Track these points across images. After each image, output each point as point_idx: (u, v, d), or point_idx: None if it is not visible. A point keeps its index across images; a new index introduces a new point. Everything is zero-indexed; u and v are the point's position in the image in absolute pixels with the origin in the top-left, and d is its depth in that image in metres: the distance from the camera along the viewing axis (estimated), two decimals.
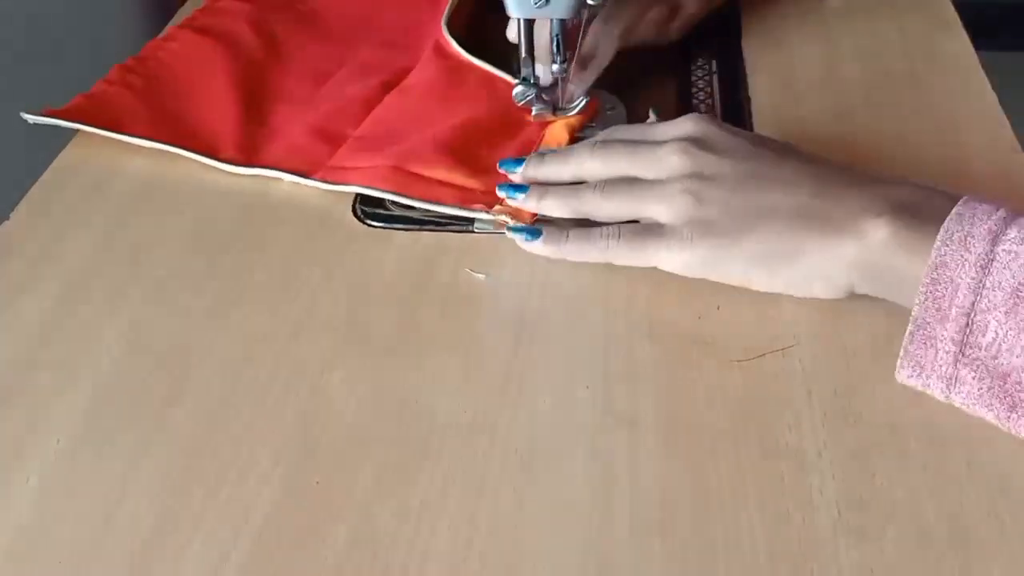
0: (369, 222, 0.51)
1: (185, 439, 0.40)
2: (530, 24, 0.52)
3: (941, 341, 0.38)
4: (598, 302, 0.45)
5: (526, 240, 0.47)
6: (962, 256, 0.37)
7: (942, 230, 0.38)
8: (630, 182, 0.46)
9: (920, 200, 0.41)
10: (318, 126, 0.56)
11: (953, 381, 0.38)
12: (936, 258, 0.38)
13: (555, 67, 0.54)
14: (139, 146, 0.55)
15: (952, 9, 0.65)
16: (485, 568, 0.35)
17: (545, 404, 0.41)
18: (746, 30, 0.65)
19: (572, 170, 0.48)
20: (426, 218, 0.51)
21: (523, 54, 0.53)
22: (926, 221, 0.39)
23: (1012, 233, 0.37)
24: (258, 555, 0.36)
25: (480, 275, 0.47)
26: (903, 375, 0.39)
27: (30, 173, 0.56)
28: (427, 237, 0.50)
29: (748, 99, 0.58)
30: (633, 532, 0.36)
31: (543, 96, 0.55)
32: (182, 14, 0.71)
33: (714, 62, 0.62)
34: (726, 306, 0.44)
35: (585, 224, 0.47)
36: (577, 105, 0.55)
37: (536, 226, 0.47)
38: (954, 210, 0.39)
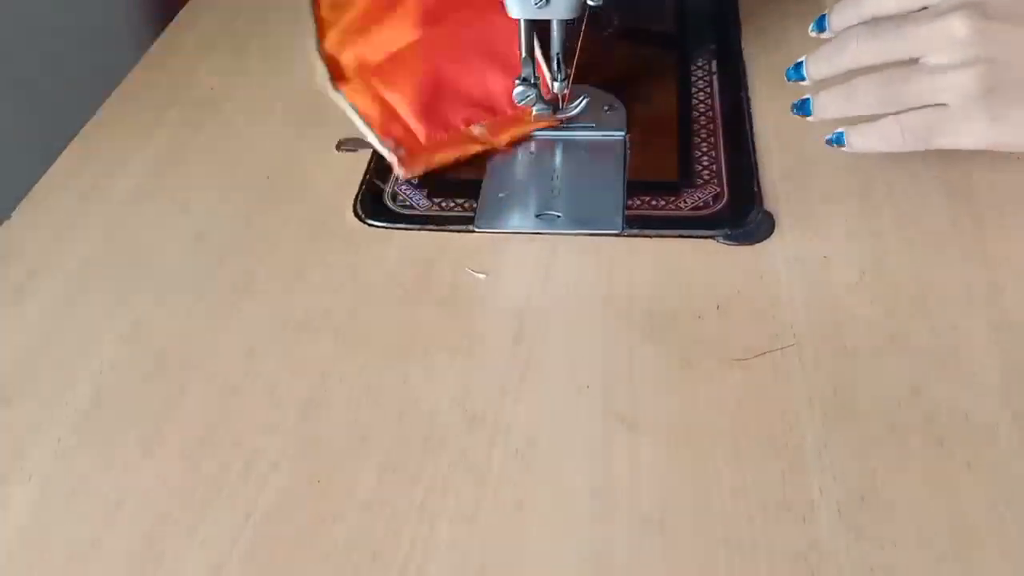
0: (370, 222, 0.51)
1: (185, 439, 0.40)
2: (530, 26, 0.52)
3: None
4: (598, 302, 0.45)
5: (839, 146, 0.48)
6: None
7: None
8: (906, 72, 0.45)
9: None
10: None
11: None
12: None
13: (556, 84, 0.54)
14: (138, 145, 0.55)
15: None
16: (485, 568, 0.35)
17: (545, 403, 0.41)
18: (746, 30, 0.65)
19: (847, 61, 0.47)
20: (427, 216, 0.51)
21: (523, 55, 0.53)
22: None
23: None
24: (258, 555, 0.36)
25: (480, 275, 0.47)
26: None
27: (30, 173, 0.56)
28: (427, 237, 0.50)
29: (748, 99, 0.58)
30: (633, 532, 0.36)
31: (543, 96, 0.55)
32: (183, 14, 0.71)
33: (714, 62, 0.62)
34: (726, 306, 0.44)
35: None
36: (578, 105, 0.55)
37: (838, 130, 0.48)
38: None
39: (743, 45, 0.63)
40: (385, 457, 0.39)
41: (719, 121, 0.57)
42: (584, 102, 0.55)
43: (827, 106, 0.48)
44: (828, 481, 0.37)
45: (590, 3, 0.51)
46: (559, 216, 0.51)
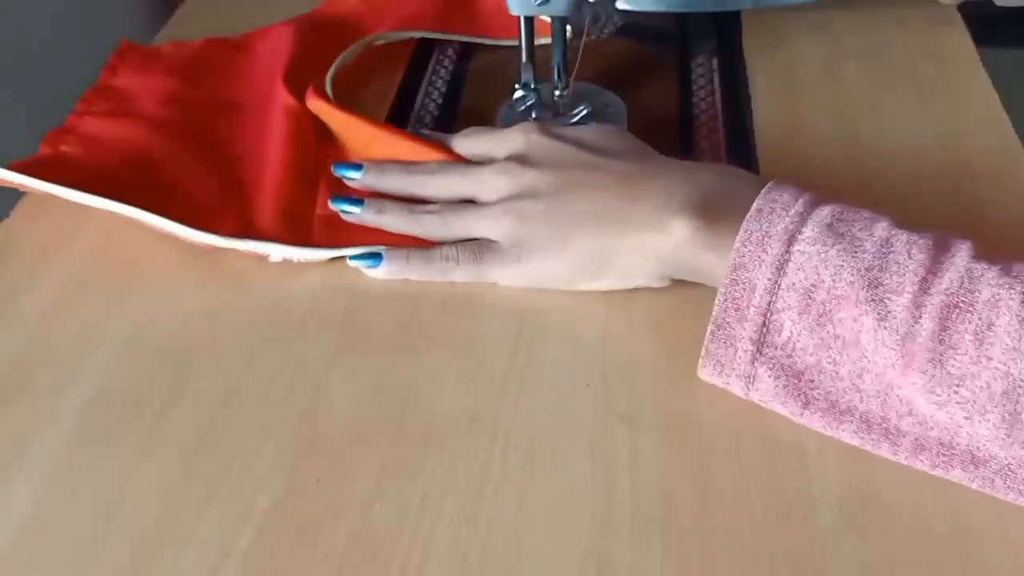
0: None
1: (185, 439, 0.40)
2: (530, 28, 0.52)
3: (740, 341, 0.39)
4: (598, 301, 0.45)
5: (369, 267, 0.47)
6: (759, 257, 0.38)
7: (742, 229, 0.39)
8: (464, 205, 0.47)
9: (725, 189, 0.42)
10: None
11: (751, 379, 0.39)
12: (735, 259, 0.39)
13: (556, 92, 0.55)
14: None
15: (953, 7, 0.65)
16: (485, 567, 0.35)
17: (545, 403, 0.41)
18: (746, 30, 0.65)
19: (413, 188, 0.49)
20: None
21: (524, 59, 0.53)
22: (727, 215, 0.41)
23: (807, 232, 0.38)
24: (258, 554, 0.36)
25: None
26: (705, 373, 0.40)
27: None
28: None
29: (748, 99, 0.58)
30: (633, 531, 0.36)
31: (543, 101, 0.55)
32: (181, 12, 0.71)
33: (714, 61, 0.62)
34: None
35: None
36: (579, 113, 0.55)
37: (376, 250, 0.47)
38: (754, 205, 0.40)
39: (744, 43, 0.63)
40: (385, 456, 0.39)
41: (720, 120, 0.56)
42: (584, 111, 0.55)
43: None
44: (828, 480, 0.37)
45: (590, 1, 0.51)
46: None
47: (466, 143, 0.50)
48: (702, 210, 0.41)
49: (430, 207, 0.48)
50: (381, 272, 0.47)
